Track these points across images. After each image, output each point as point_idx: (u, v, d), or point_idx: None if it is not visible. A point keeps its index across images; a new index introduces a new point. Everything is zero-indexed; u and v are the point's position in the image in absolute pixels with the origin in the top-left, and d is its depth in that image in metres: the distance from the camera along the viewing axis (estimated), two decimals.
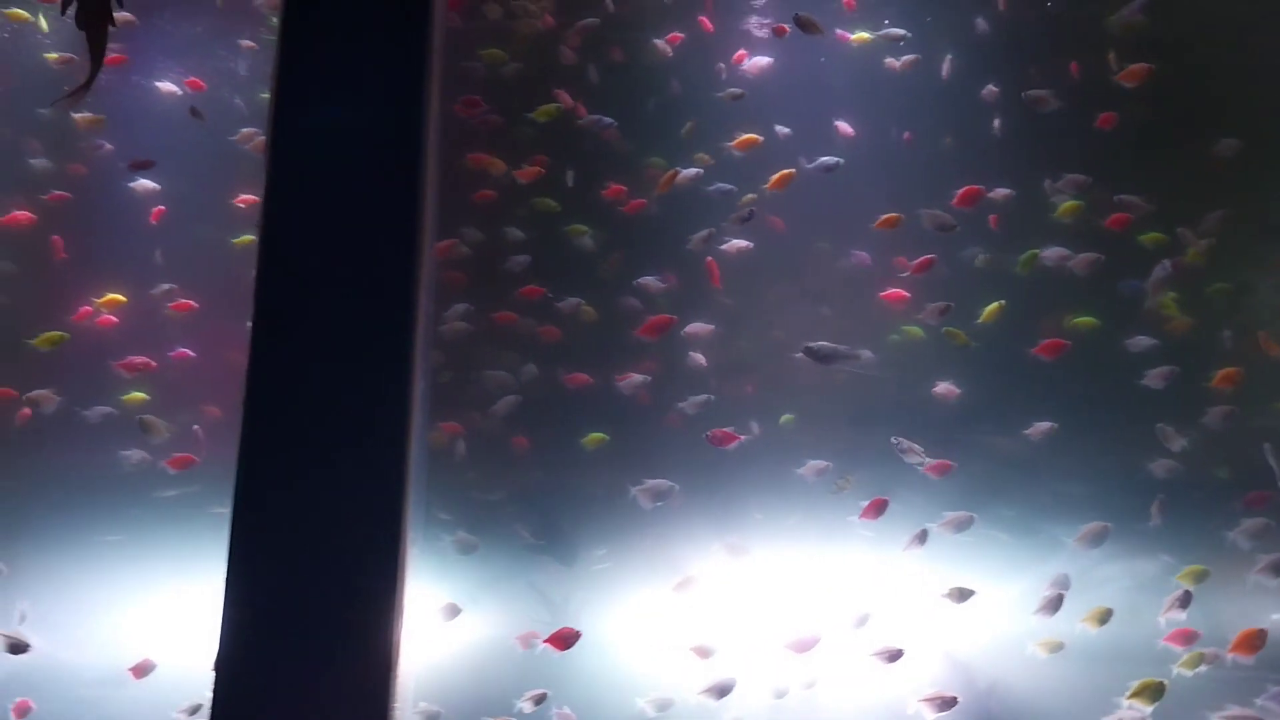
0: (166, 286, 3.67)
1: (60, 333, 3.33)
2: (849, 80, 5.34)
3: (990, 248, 5.37)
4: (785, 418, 4.75)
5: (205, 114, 3.81)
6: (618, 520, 4.37)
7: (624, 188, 4.60)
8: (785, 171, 4.80)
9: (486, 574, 4.14)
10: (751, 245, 4.79)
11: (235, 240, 3.70)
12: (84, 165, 3.67)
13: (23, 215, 3.43)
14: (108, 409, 3.40)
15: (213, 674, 1.83)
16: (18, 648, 3.48)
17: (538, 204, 4.35)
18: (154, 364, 3.48)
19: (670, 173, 4.47)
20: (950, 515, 4.60)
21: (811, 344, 4.60)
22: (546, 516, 4.32)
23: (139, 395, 3.38)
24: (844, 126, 5.34)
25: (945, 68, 5.48)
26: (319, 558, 1.80)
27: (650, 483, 4.30)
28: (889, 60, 5.39)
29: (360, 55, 1.94)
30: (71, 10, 3.06)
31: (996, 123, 5.47)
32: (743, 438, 4.53)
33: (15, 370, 3.39)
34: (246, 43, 4.10)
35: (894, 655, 4.36)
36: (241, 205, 3.78)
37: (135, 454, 3.38)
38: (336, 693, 1.74)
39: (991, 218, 5.34)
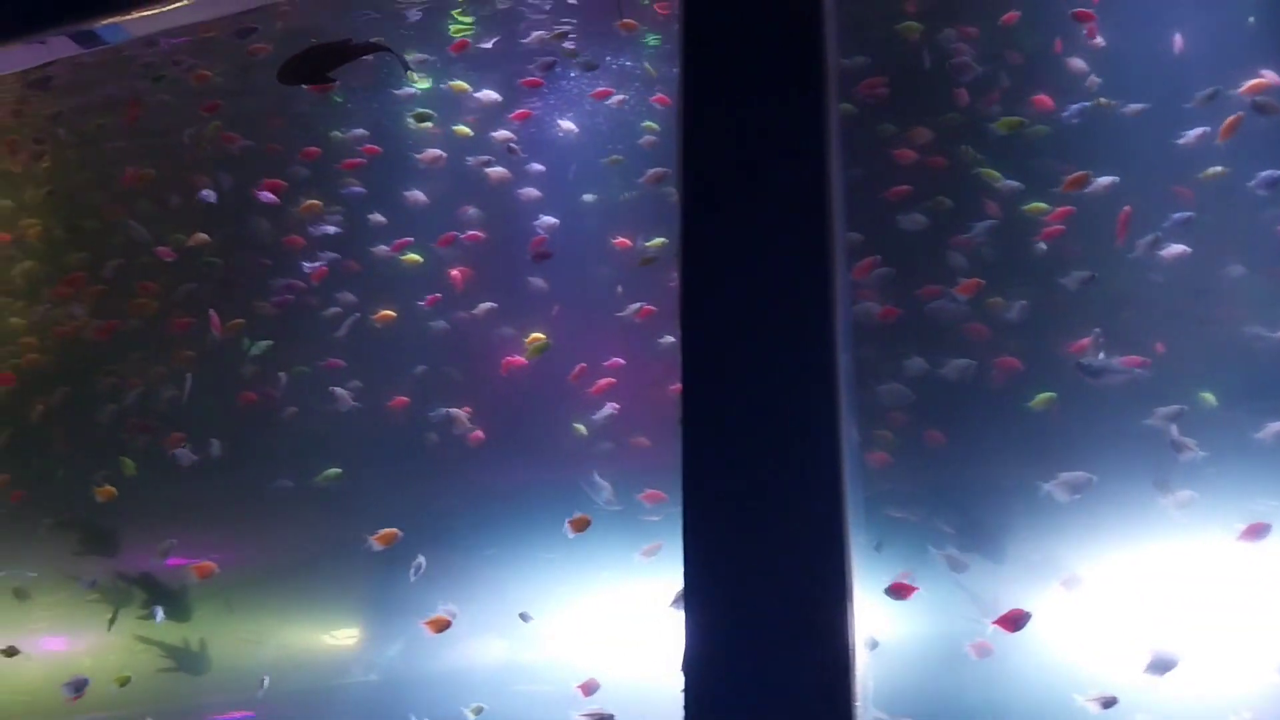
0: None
1: (543, 339, 3.68)
2: None
3: None
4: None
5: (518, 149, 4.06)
6: (1034, 514, 4.17)
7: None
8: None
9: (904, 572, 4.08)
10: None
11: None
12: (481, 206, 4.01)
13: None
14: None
15: (681, 676, 1.94)
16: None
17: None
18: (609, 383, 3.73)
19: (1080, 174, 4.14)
20: None
21: (1085, 360, 4.24)
22: (968, 513, 4.21)
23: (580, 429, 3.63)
24: None
25: None
26: (767, 562, 1.86)
27: (1066, 476, 4.08)
28: None
29: (760, 73, 2.00)
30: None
31: None
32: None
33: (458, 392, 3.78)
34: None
35: None
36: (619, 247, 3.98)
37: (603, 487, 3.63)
38: (799, 692, 1.77)
39: None
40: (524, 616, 3.73)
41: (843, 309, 1.95)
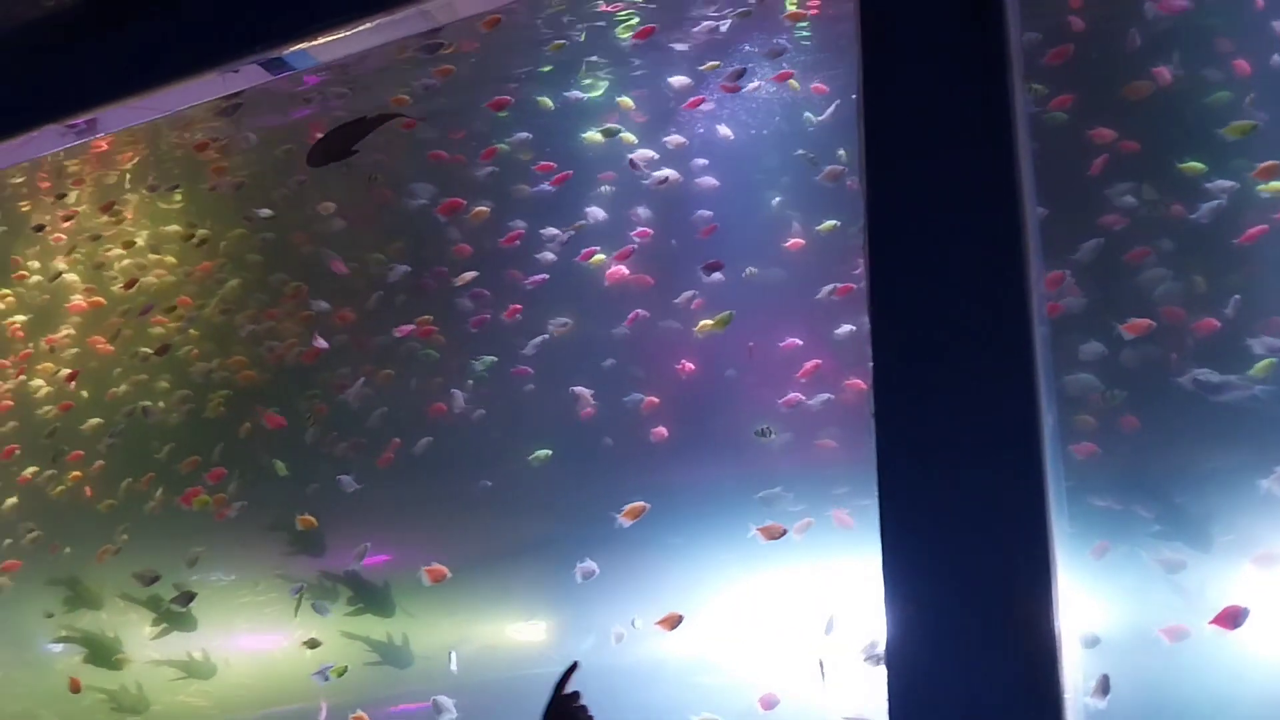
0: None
1: (727, 315, 3.73)
2: None
3: None
4: None
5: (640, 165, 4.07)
6: (1237, 499, 3.95)
7: None
8: None
9: (1106, 565, 3.93)
10: None
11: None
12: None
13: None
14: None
15: (883, 667, 1.93)
16: None
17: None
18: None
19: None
20: None
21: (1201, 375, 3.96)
22: (1168, 500, 4.02)
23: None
24: None
25: None
26: (968, 553, 1.84)
27: None
28: None
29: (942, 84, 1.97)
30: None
31: None
32: None
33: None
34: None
35: None
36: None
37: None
38: (1006, 684, 1.75)
39: None
40: (633, 623, 3.78)
41: (1036, 293, 1.90)
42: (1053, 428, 1.88)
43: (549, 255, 4.23)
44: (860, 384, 3.67)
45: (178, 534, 4.57)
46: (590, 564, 3.72)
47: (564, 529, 3.94)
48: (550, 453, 3.80)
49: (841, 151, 3.87)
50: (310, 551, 4.33)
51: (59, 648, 4.76)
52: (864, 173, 1.95)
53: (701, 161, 4.19)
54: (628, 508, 3.60)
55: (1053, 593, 1.75)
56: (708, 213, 4.04)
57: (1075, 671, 1.76)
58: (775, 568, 3.54)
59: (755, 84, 4.11)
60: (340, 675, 3.90)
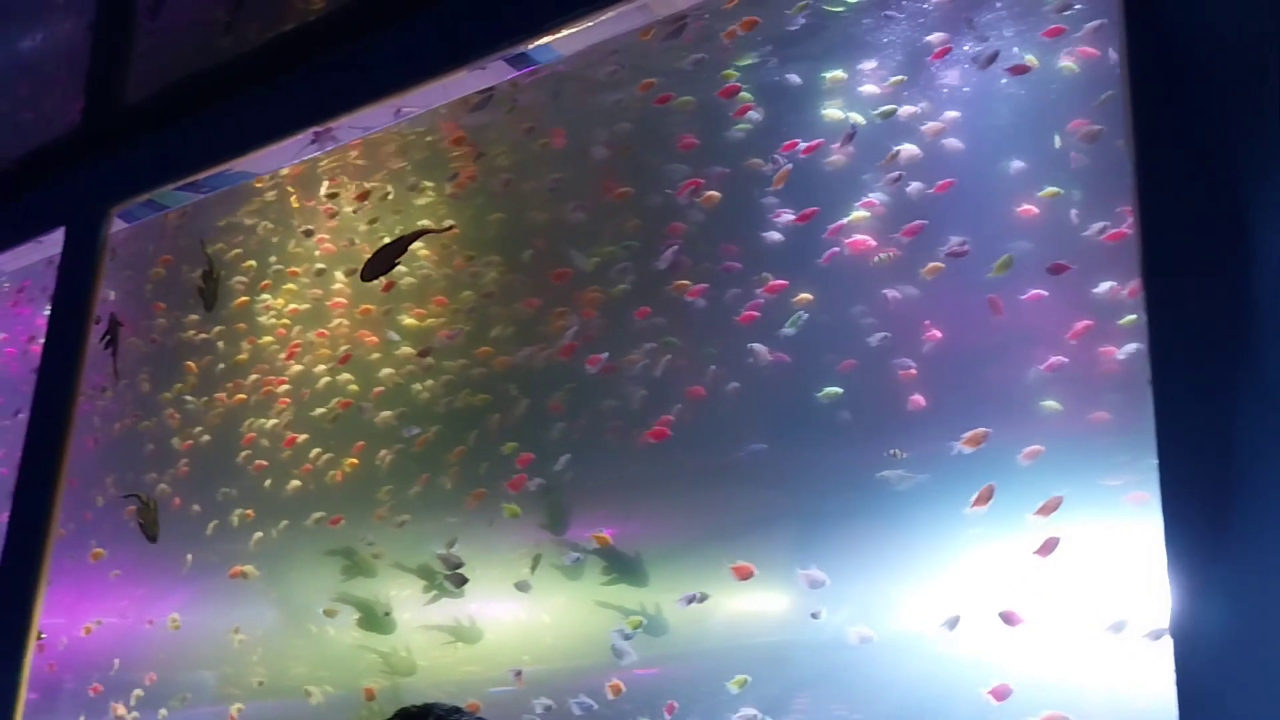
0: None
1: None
2: None
3: None
4: None
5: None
6: None
7: None
8: None
9: None
10: None
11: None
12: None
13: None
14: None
15: (1170, 639, 1.88)
16: None
17: None
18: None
19: None
20: None
21: None
22: None
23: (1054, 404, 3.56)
24: None
25: None
26: (1257, 524, 1.78)
27: None
28: None
29: None
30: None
31: None
32: None
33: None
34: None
35: None
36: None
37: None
38: None
39: None
40: (814, 615, 3.78)
41: None
42: None
43: (775, 234, 4.24)
44: (1114, 350, 3.50)
45: (434, 514, 4.89)
46: (816, 572, 3.77)
47: (810, 501, 3.96)
48: (840, 390, 3.81)
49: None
50: (554, 530, 4.51)
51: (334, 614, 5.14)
52: (1131, 121, 1.88)
53: (941, 122, 4.10)
54: (966, 436, 3.53)
55: None
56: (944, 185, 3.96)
57: None
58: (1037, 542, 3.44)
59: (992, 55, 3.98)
60: (636, 628, 4.06)
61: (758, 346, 4.06)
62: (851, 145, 4.15)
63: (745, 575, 3.85)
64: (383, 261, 5.22)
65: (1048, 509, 3.39)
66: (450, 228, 5.19)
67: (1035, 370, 3.55)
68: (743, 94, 4.44)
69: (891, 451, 3.72)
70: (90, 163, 6.27)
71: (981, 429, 3.53)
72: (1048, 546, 3.34)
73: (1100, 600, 3.26)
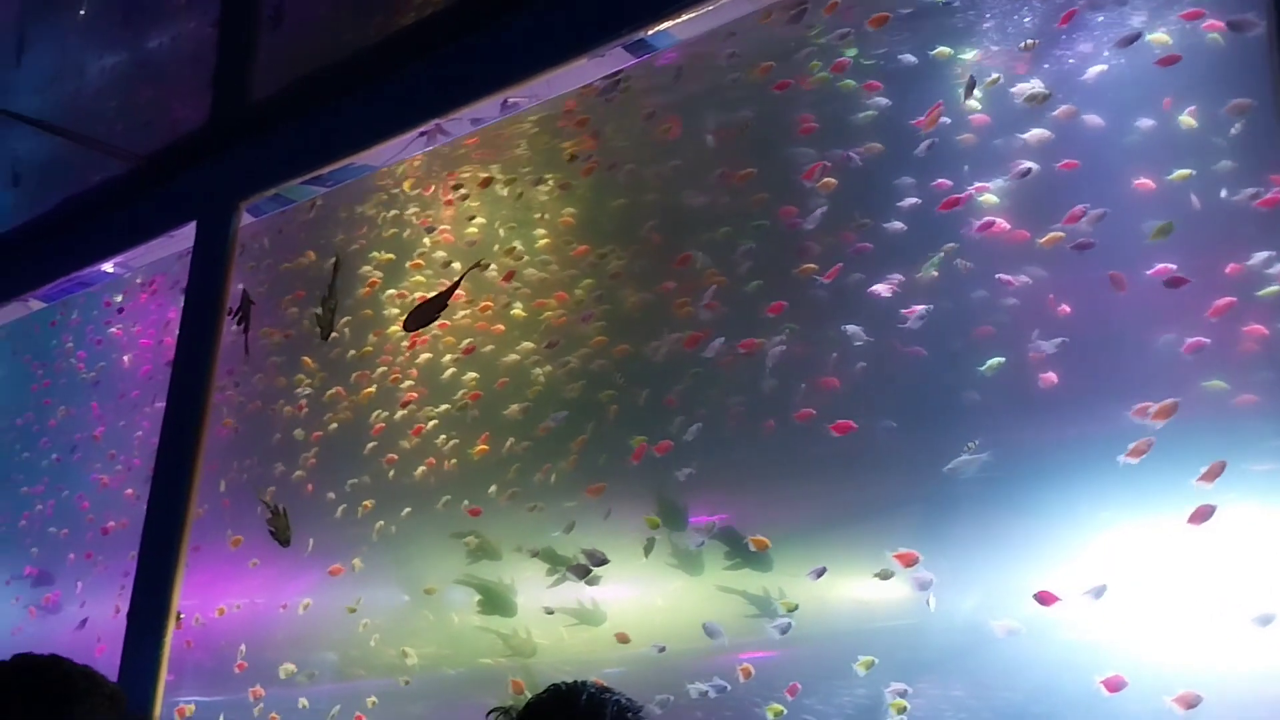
0: None
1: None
2: None
3: None
4: None
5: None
6: None
7: None
8: None
9: None
10: None
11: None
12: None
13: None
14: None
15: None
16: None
17: None
18: None
19: None
20: None
21: None
22: None
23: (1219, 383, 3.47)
24: None
25: None
26: None
27: None
28: None
29: None
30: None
31: None
32: None
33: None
34: None
35: None
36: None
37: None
38: None
39: None
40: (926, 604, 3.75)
41: None
42: None
43: (897, 225, 4.21)
44: (1262, 329, 3.38)
45: (554, 501, 4.96)
46: (926, 574, 3.77)
47: (935, 486, 3.92)
48: (1003, 360, 3.79)
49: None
50: (674, 526, 4.55)
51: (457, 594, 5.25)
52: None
53: (1071, 105, 4.01)
54: (1155, 408, 3.47)
55: None
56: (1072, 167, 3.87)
57: None
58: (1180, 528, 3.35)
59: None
60: (791, 611, 4.08)
61: (909, 317, 4.00)
62: (986, 117, 4.08)
63: (910, 563, 3.81)
64: (426, 314, 5.39)
65: (1211, 475, 3.27)
66: (483, 264, 5.41)
67: (1175, 350, 3.46)
68: (866, 78, 4.40)
69: (969, 445, 3.69)
70: (219, 158, 6.50)
71: (1171, 400, 3.42)
72: (1200, 514, 3.23)
73: (1246, 592, 3.15)
